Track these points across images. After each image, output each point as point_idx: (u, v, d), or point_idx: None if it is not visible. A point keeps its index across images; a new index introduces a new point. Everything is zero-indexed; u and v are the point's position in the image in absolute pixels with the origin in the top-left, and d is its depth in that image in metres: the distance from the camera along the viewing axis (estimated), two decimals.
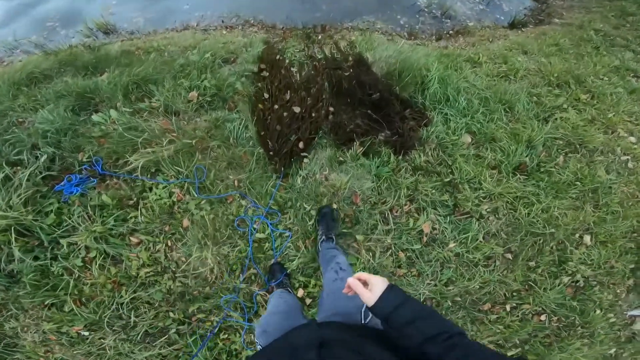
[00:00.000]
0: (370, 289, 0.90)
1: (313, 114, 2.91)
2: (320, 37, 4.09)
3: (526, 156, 2.95)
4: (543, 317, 2.37)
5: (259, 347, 1.15)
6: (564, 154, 3.06)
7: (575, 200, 2.86)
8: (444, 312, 2.33)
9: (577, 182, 2.91)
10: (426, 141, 2.88)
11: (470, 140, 2.97)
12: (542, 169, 2.94)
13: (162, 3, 4.59)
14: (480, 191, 2.75)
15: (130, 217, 2.39)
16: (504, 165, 2.86)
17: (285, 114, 2.90)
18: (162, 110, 2.90)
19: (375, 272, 2.26)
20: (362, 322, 1.08)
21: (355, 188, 2.66)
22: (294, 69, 3.41)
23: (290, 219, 2.56)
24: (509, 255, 2.57)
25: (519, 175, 2.87)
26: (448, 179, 2.76)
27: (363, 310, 1.08)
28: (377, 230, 2.54)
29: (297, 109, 2.94)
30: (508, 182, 2.80)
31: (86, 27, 4.51)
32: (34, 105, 2.98)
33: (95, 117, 2.81)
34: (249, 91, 3.08)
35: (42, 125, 2.66)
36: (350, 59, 3.52)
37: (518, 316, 2.34)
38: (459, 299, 2.36)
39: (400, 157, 2.79)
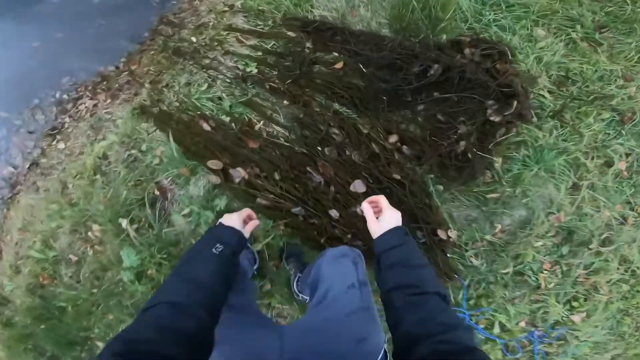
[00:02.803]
0: (380, 220, 0.79)
1: (395, 175, 1.45)
2: (195, 39, 2.15)
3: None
4: None
5: None
6: None
7: None
8: None
9: None
10: (531, 76, 1.68)
11: (543, 32, 1.84)
12: None
13: None
14: (613, 77, 1.82)
15: None
16: (597, 35, 1.89)
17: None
18: None
19: None
20: None
21: (546, 207, 1.51)
22: (266, 129, 1.68)
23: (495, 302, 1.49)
24: None
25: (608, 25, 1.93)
26: (589, 97, 1.73)
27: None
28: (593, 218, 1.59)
29: (360, 187, 1.43)
30: (615, 46, 1.90)
31: None
32: None
33: None
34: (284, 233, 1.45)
35: None
36: (298, 36, 1.84)
37: None
38: None
39: (535, 119, 1.60)
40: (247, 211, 0.91)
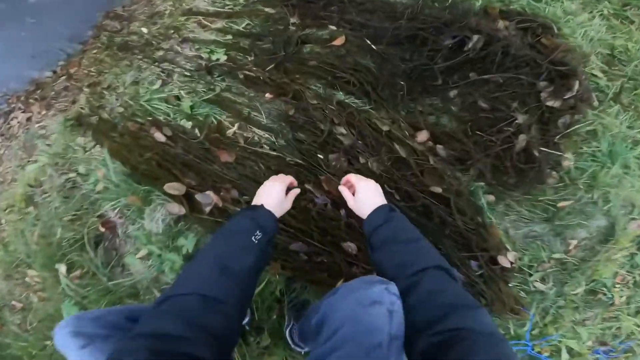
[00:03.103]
0: (355, 197, 0.75)
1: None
2: (146, 30, 1.69)
3: None
4: None
5: None
6: None
7: None
8: None
9: None
10: (583, 53, 1.32)
11: (574, 6, 1.52)
12: None
13: None
14: None
15: None
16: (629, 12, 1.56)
17: None
18: None
19: None
20: None
21: (627, 212, 1.12)
22: (244, 134, 1.20)
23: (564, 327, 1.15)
24: None
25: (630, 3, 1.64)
26: None
27: None
28: None
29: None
30: None
31: None
32: None
33: None
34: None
35: None
36: (279, 11, 1.39)
37: None
38: None
39: (596, 103, 1.23)
40: (289, 178, 0.82)
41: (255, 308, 1.04)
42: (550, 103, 1.14)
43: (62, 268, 1.15)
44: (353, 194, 0.77)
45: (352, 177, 0.79)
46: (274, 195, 0.74)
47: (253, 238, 0.63)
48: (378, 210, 0.71)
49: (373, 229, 0.68)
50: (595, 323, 1.17)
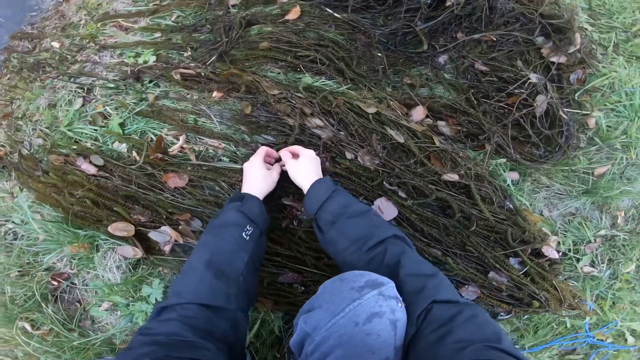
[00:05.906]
0: (299, 159, 0.70)
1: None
2: (58, 44, 1.37)
3: None
4: None
5: None
6: None
7: None
8: None
9: None
10: (568, 5, 1.16)
11: None
12: None
13: None
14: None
15: None
16: None
17: None
18: None
19: None
20: None
21: None
22: (194, 147, 0.89)
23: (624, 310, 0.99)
24: None
25: None
26: (631, 29, 1.26)
27: None
28: None
29: (389, 211, 0.69)
30: None
31: None
32: None
33: None
34: None
35: None
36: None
37: None
38: None
39: (600, 56, 1.05)
40: (264, 149, 0.75)
41: (255, 351, 0.82)
42: (555, 59, 0.94)
43: (26, 326, 0.95)
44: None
45: (297, 147, 0.75)
46: (255, 173, 0.68)
47: (244, 234, 0.57)
48: (320, 182, 0.64)
49: (319, 206, 0.61)
50: None
